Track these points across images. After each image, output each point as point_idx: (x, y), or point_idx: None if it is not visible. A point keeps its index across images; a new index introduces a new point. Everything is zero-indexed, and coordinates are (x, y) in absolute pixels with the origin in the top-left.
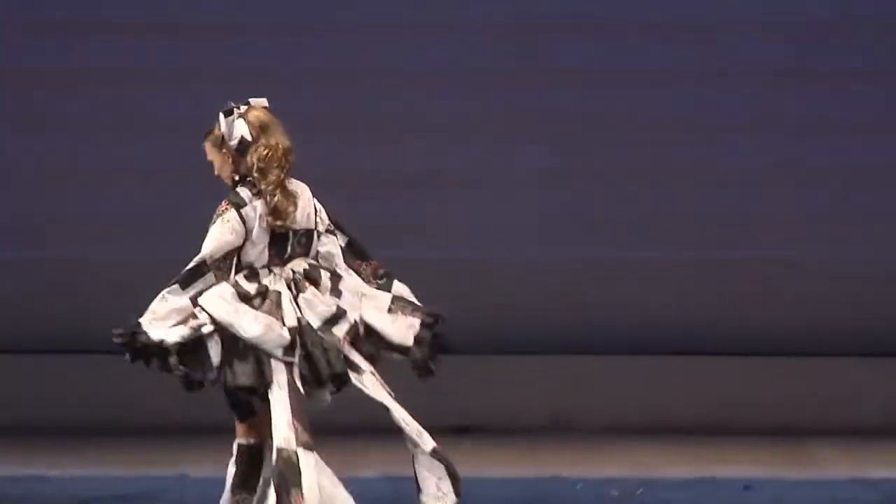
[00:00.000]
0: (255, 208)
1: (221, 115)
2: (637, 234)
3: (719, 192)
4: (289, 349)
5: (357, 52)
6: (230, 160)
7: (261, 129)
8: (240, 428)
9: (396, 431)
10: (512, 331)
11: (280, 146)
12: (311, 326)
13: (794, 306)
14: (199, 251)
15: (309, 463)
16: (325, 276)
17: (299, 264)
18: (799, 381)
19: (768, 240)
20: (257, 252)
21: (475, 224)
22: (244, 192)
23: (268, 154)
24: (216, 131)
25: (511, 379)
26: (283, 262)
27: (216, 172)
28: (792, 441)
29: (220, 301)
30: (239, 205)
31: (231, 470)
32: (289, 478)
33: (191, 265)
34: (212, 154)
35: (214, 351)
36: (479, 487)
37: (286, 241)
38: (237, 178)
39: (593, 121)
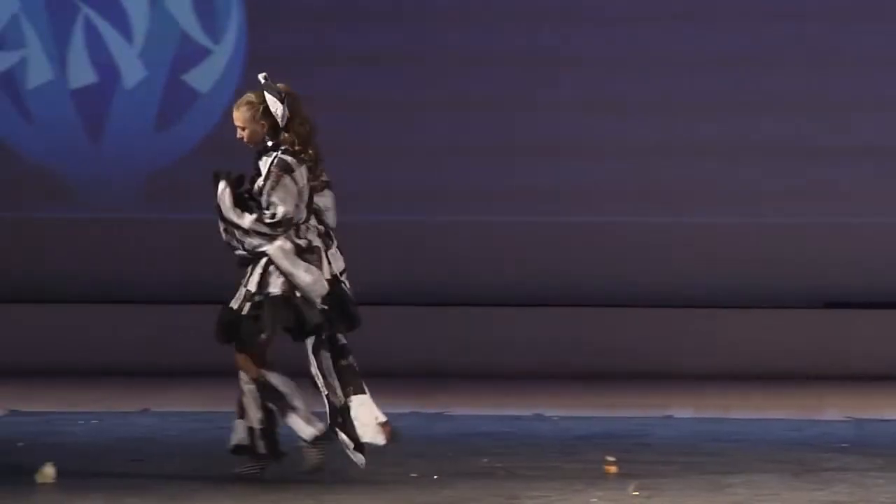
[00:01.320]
0: (302, 173)
1: (267, 92)
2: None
3: None
4: (325, 297)
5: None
6: (265, 129)
7: (297, 108)
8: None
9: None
10: None
11: (311, 124)
12: (339, 278)
13: None
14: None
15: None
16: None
17: (315, 220)
18: None
19: None
20: (300, 211)
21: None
22: (289, 159)
23: (308, 130)
24: (254, 101)
25: None
26: (309, 218)
27: (246, 139)
28: None
29: (282, 253)
30: (291, 170)
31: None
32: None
33: (276, 220)
34: (245, 121)
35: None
36: None
37: (311, 200)
38: (270, 144)
39: None
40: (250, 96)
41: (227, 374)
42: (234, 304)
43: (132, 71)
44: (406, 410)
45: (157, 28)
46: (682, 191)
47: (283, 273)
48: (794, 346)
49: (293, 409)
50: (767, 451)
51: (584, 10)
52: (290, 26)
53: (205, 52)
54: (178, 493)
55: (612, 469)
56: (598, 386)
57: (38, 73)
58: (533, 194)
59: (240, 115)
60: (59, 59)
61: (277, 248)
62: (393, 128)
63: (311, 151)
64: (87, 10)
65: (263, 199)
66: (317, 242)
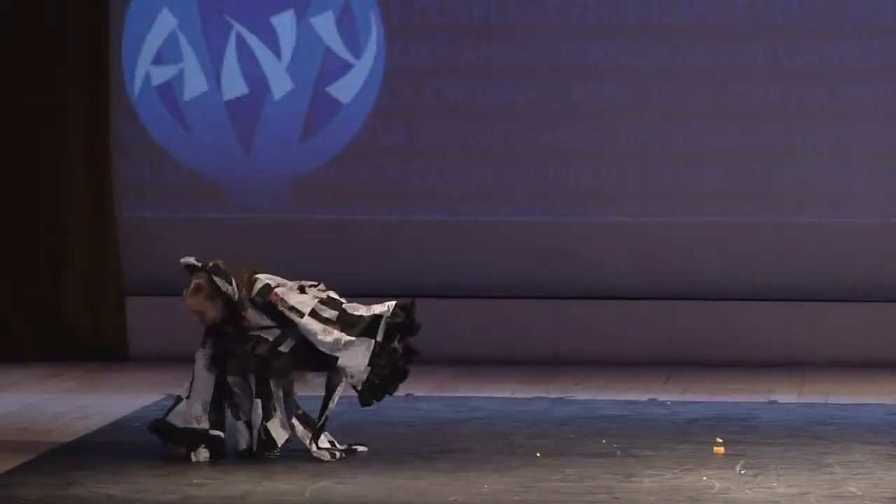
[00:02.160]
0: None
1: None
2: None
3: None
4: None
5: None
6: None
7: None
8: None
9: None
10: None
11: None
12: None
13: None
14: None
15: None
16: None
17: None
18: None
19: None
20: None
21: None
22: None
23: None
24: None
25: None
26: None
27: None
28: None
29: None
30: None
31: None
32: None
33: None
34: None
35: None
36: None
37: None
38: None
39: None
40: (200, 284)
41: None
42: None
43: (280, 84)
44: (532, 395)
45: (303, 44)
46: (796, 192)
47: None
48: (893, 336)
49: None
50: (864, 433)
51: (697, 22)
52: (425, 40)
53: (347, 66)
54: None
55: (721, 450)
56: (709, 373)
57: (195, 85)
58: (646, 196)
59: (194, 303)
60: (214, 73)
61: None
62: (526, 134)
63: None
64: (239, 28)
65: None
66: None
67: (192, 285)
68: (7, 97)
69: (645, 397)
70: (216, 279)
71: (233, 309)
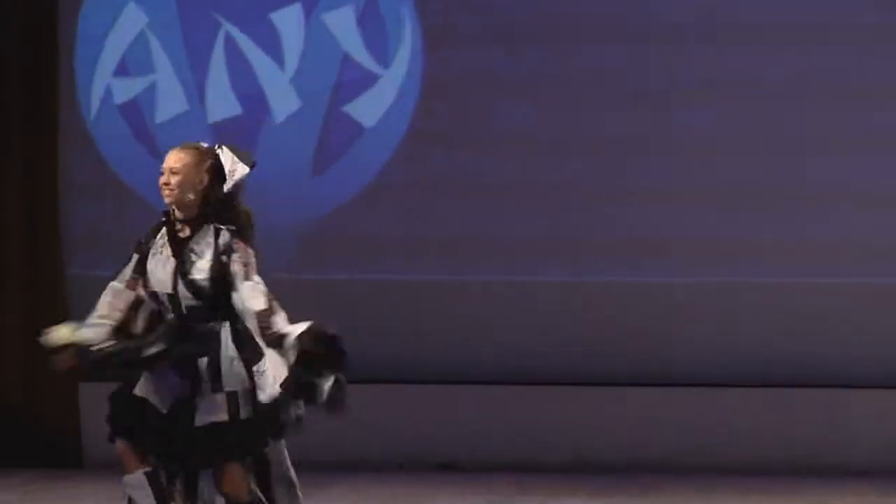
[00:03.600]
0: None
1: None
2: None
3: None
4: None
5: None
6: (201, 188)
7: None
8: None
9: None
10: None
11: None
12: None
13: None
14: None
15: None
16: None
17: None
18: None
19: None
20: None
21: None
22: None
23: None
24: (202, 149)
25: None
26: None
27: (173, 188)
28: None
29: None
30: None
31: None
32: None
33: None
34: (182, 165)
35: None
36: None
37: None
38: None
39: None
40: (199, 144)
41: None
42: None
43: (284, 101)
44: None
45: (313, 49)
46: None
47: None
48: None
49: None
50: None
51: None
52: (473, 45)
53: (371, 78)
54: None
55: None
56: None
57: (170, 103)
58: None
59: (177, 157)
60: (196, 87)
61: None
62: (606, 169)
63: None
64: (229, 27)
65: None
66: None
67: (189, 144)
68: None
69: None
70: (225, 152)
71: (207, 206)
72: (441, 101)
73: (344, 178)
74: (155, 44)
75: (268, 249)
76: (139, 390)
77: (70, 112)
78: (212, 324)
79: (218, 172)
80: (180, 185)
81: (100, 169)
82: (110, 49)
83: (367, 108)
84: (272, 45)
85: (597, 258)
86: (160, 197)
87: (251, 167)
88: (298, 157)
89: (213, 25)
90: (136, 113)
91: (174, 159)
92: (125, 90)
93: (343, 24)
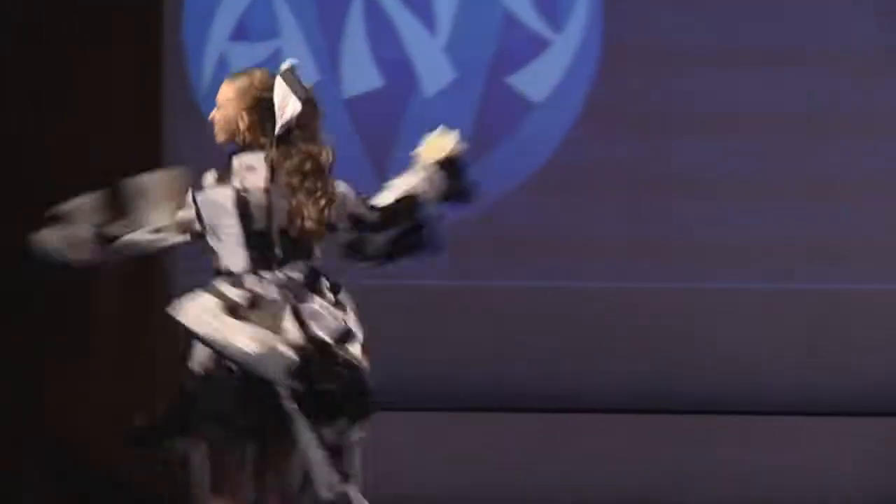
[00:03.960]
0: None
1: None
2: None
3: None
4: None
5: None
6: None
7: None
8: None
9: None
10: None
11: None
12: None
13: None
14: None
15: None
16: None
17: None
18: None
19: None
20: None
21: None
22: None
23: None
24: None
25: None
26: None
27: (218, 125)
28: None
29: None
30: None
31: None
32: None
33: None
34: (231, 99)
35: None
36: None
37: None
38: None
39: None
40: (254, 72)
41: None
42: None
43: (435, 72)
44: None
45: (469, 9)
46: None
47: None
48: None
49: None
50: None
51: None
52: (665, 3)
53: (540, 45)
54: None
55: None
56: None
57: (300, 73)
58: None
59: (224, 90)
60: (329, 54)
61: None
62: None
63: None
64: None
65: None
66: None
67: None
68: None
69: None
70: (279, 83)
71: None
72: (625, 73)
73: (506, 165)
74: (279, 2)
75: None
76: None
77: (177, 83)
78: None
79: (264, 110)
80: (221, 124)
81: (210, 150)
82: (226, 9)
83: (535, 81)
84: (421, 3)
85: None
86: None
87: (304, 101)
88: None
89: None
90: None
91: (221, 92)
92: (243, 58)
93: None
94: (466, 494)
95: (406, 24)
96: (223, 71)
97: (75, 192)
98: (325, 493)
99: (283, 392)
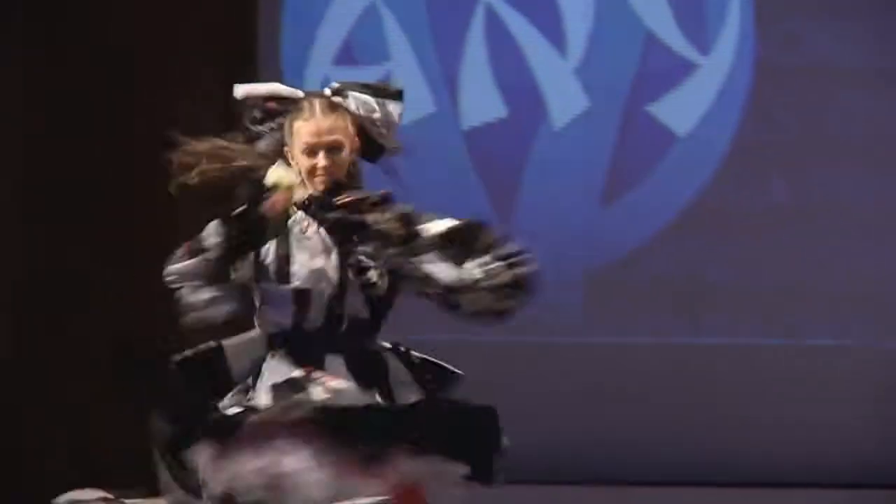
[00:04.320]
0: None
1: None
2: None
3: None
4: None
5: None
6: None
7: None
8: None
9: None
10: None
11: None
12: None
13: None
14: None
15: None
16: None
17: None
18: None
19: None
20: None
21: None
22: None
23: None
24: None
25: None
26: None
27: (334, 170)
28: None
29: None
30: None
31: None
32: None
33: None
34: (343, 133)
35: None
36: None
37: None
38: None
39: None
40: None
41: None
42: None
43: (566, 99)
44: None
45: (606, 30)
46: None
47: None
48: None
49: None
50: None
51: None
52: (824, 21)
53: (686, 68)
54: None
55: None
56: None
57: (410, 101)
58: None
59: (332, 122)
60: (445, 81)
61: None
62: None
63: None
64: (489, 0)
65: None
66: None
67: (321, 102)
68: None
69: None
70: (355, 97)
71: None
72: (781, 99)
73: (648, 204)
74: (390, 21)
75: (545, 304)
76: None
77: None
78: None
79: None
80: (343, 164)
81: None
82: (328, 29)
83: (681, 111)
84: (550, 22)
85: None
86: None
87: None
88: (585, 175)
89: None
90: None
91: (331, 126)
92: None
93: None
94: None
95: (533, 45)
96: None
97: (176, 225)
98: None
99: None
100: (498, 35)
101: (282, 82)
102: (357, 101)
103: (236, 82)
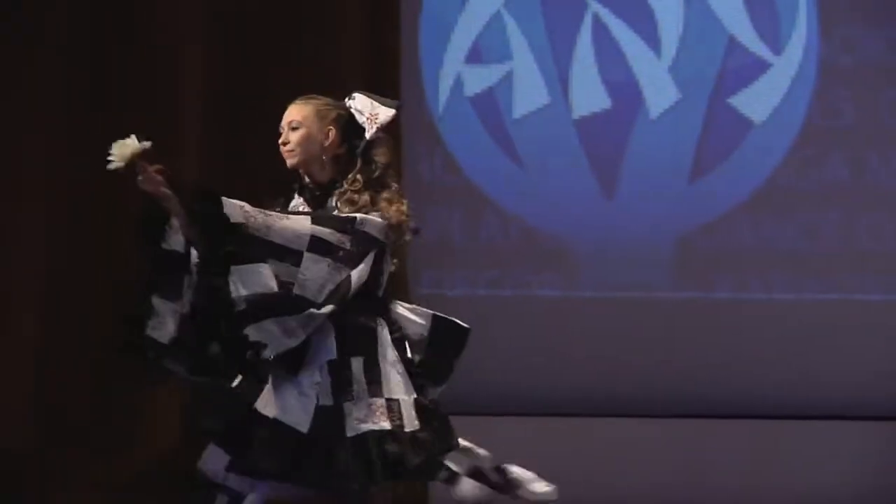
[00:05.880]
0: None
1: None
2: None
3: None
4: None
5: None
6: (329, 145)
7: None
8: None
9: None
10: None
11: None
12: None
13: None
14: None
15: None
16: None
17: None
18: None
19: None
20: None
21: None
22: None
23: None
24: (330, 103)
25: None
26: None
27: (293, 145)
28: None
29: None
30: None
31: None
32: None
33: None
34: (304, 119)
35: None
36: None
37: None
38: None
39: None
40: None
41: None
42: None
43: (660, 93)
44: None
45: (694, 32)
46: None
47: None
48: None
49: None
50: None
51: None
52: (881, 24)
53: (761, 66)
54: None
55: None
56: None
57: (530, 95)
58: None
59: (298, 109)
60: (559, 77)
61: None
62: None
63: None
64: (596, 7)
65: None
66: None
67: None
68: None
69: None
70: (359, 98)
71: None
72: (844, 93)
73: (728, 182)
74: (512, 26)
75: (640, 265)
76: (264, 406)
77: (414, 105)
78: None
79: (348, 124)
80: (301, 141)
81: (448, 170)
82: (461, 32)
83: (757, 102)
84: (647, 27)
85: None
86: (515, 205)
87: (397, 109)
88: (676, 157)
89: (579, 5)
90: (490, 106)
91: (294, 111)
92: (478, 80)
93: (728, 3)
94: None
95: (632, 46)
96: (459, 92)
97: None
98: None
99: None
100: (603, 38)
101: (422, 80)
102: (358, 100)
103: (381, 84)
